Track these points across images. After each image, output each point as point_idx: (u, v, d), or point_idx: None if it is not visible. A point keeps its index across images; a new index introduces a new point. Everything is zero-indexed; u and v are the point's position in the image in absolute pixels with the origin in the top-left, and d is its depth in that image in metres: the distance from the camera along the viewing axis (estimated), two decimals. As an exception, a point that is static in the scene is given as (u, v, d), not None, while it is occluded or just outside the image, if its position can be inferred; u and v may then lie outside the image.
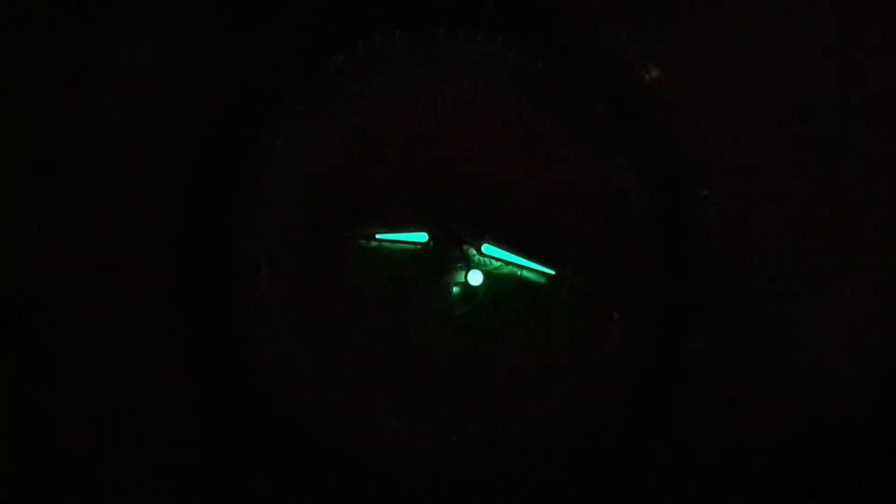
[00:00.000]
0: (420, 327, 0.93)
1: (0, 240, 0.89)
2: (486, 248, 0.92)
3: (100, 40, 0.88)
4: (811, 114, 0.87)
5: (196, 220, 0.91)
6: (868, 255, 0.89)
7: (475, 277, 0.92)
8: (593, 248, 0.92)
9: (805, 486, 0.90)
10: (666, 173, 0.91)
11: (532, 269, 0.92)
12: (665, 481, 0.91)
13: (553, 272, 0.92)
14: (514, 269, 0.92)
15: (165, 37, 0.88)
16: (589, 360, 0.92)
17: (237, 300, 0.92)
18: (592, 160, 0.92)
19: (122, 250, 0.90)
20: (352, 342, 0.93)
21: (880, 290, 0.89)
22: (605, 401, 0.93)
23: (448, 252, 0.92)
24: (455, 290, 0.92)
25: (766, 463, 0.90)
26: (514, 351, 0.93)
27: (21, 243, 0.89)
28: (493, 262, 0.92)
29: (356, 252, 0.92)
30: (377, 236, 0.92)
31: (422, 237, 0.92)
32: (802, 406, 0.90)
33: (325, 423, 0.93)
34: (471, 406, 0.93)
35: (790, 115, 0.88)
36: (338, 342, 0.93)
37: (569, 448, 0.93)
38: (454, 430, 0.93)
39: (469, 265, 0.92)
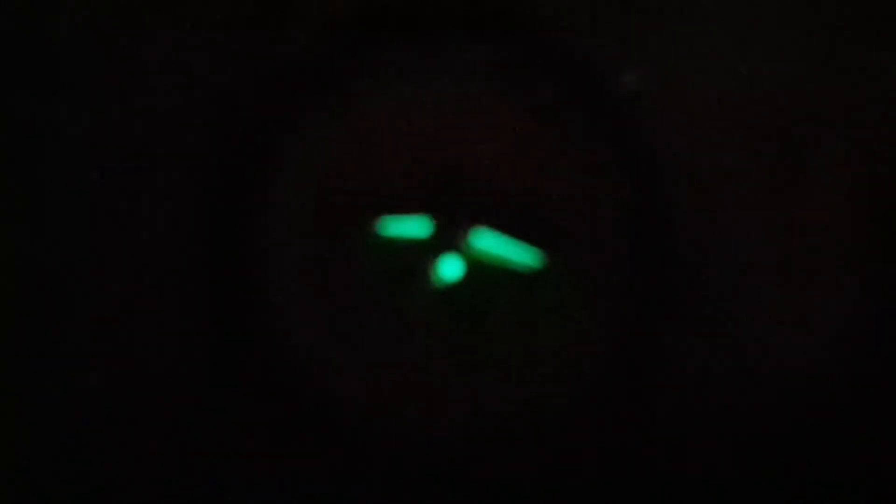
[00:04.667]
0: (418, 314, 0.97)
1: (19, 238, 0.91)
2: (480, 239, 0.96)
3: (114, 43, 0.90)
4: (784, 116, 0.92)
5: (213, 217, 0.95)
6: (835, 249, 0.93)
7: (452, 270, 0.96)
8: (577, 243, 0.96)
9: (782, 470, 0.93)
10: (645, 174, 0.96)
11: (520, 262, 0.96)
12: (645, 463, 0.95)
13: (541, 263, 0.96)
14: (504, 261, 0.97)
15: (180, 41, 0.91)
16: (573, 345, 0.97)
17: (254, 291, 0.96)
18: (576, 160, 0.96)
19: (141, 244, 0.93)
20: (358, 327, 0.97)
21: (853, 286, 0.93)
22: (587, 384, 0.97)
23: (446, 242, 0.96)
24: (446, 278, 0.97)
25: (740, 454, 0.94)
26: (504, 338, 0.97)
27: (42, 241, 0.91)
28: (487, 253, 0.97)
29: (361, 244, 0.96)
30: (380, 229, 0.96)
31: (421, 230, 0.97)
32: (777, 398, 0.93)
33: (330, 400, 0.97)
34: (464, 387, 0.97)
35: (763, 117, 0.92)
36: (346, 327, 0.97)
37: (553, 431, 0.97)
38: (450, 409, 0.97)
39: (461, 255, 0.96)
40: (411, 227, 0.96)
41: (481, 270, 0.96)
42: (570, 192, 0.96)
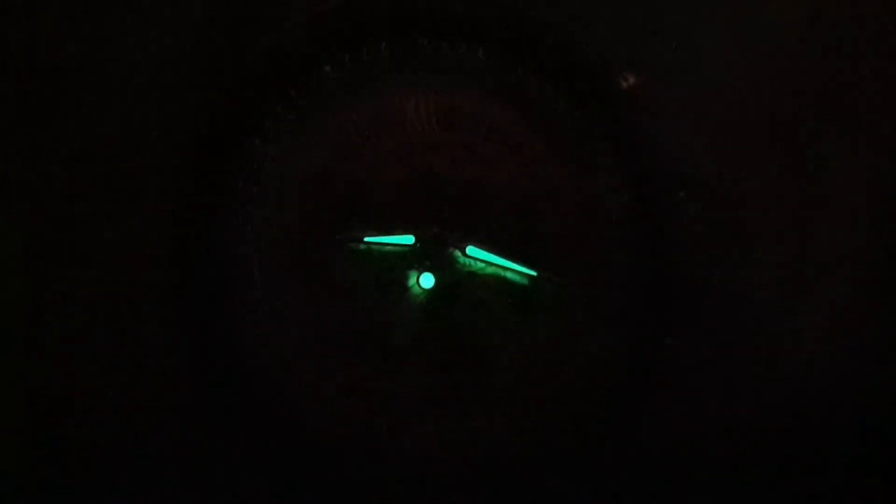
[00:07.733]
0: (407, 326, 0.95)
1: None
2: (471, 249, 0.94)
3: (91, 47, 0.89)
4: (788, 117, 0.90)
5: (189, 226, 0.93)
6: (841, 254, 0.92)
7: (427, 280, 0.94)
8: (573, 250, 0.94)
9: (782, 482, 0.93)
10: (643, 176, 0.93)
11: (515, 270, 0.94)
12: (644, 475, 0.94)
13: (535, 273, 0.94)
14: (498, 270, 0.94)
15: (157, 45, 0.89)
16: (569, 357, 0.95)
17: (230, 304, 0.94)
18: (573, 164, 0.94)
19: (114, 255, 0.91)
20: (342, 342, 0.95)
21: (854, 288, 0.92)
22: (584, 396, 0.95)
23: (433, 253, 0.94)
24: (428, 289, 0.94)
25: (742, 458, 0.93)
26: (497, 349, 0.95)
27: (16, 250, 0.91)
28: (478, 263, 0.94)
29: (345, 254, 0.94)
30: (365, 239, 0.94)
31: (409, 239, 0.94)
32: (778, 402, 0.93)
33: (317, 421, 0.95)
34: (455, 403, 0.95)
35: (767, 119, 0.90)
36: (329, 342, 0.95)
37: (549, 444, 0.95)
38: (439, 426, 0.95)
39: (451, 267, 0.94)
40: (397, 238, 0.94)
41: (472, 281, 0.94)
42: (566, 198, 0.94)
